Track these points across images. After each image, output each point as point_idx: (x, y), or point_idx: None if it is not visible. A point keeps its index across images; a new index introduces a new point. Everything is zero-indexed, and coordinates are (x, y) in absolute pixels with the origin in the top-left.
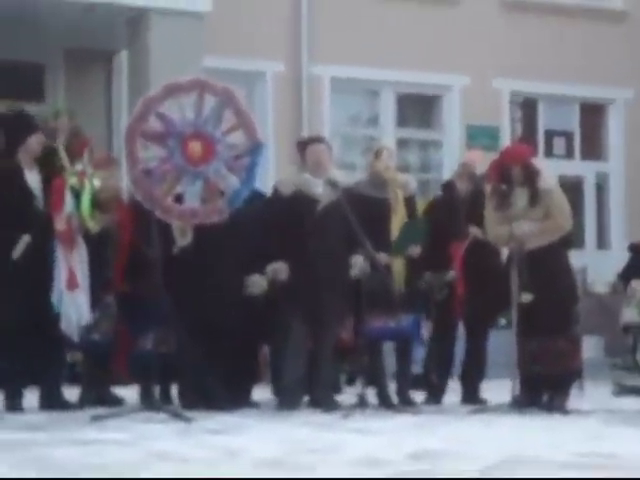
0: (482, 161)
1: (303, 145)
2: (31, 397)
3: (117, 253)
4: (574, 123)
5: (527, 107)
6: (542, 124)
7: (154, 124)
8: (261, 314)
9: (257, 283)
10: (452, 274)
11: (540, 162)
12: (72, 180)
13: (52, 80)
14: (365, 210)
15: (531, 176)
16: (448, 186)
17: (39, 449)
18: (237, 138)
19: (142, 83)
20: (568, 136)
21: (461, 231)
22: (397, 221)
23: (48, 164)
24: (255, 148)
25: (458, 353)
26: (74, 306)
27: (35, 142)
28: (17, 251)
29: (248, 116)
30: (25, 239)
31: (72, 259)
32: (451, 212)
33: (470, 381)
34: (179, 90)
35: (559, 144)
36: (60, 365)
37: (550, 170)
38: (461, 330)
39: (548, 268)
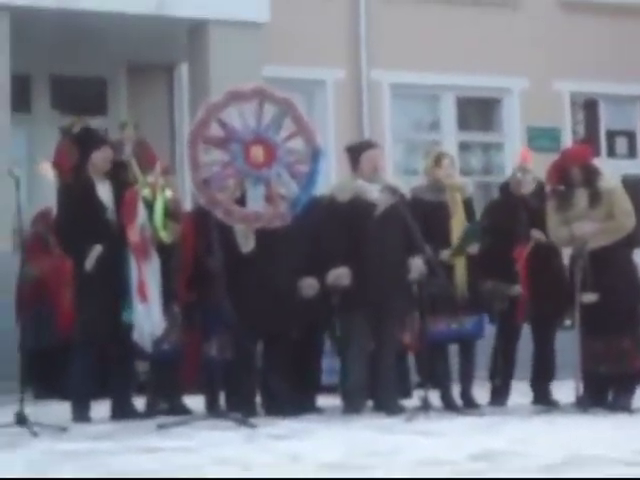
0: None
1: (355, 150)
2: (98, 408)
3: (181, 263)
4: (636, 122)
5: (588, 108)
6: (603, 124)
7: (215, 130)
8: (321, 320)
9: (310, 285)
10: (517, 289)
11: (600, 162)
12: (144, 191)
13: (114, 94)
14: (423, 214)
15: (591, 176)
16: (504, 188)
17: (103, 457)
18: (297, 145)
19: (202, 94)
20: (630, 135)
21: (523, 235)
22: (456, 224)
23: (119, 177)
24: (315, 155)
25: (523, 356)
26: (147, 317)
27: (100, 157)
28: (89, 262)
29: (307, 124)
30: (97, 249)
31: (144, 271)
32: (510, 215)
33: (540, 384)
34: (241, 97)
35: (621, 144)
36: (130, 375)
37: (613, 170)
38: (526, 333)
39: (611, 268)
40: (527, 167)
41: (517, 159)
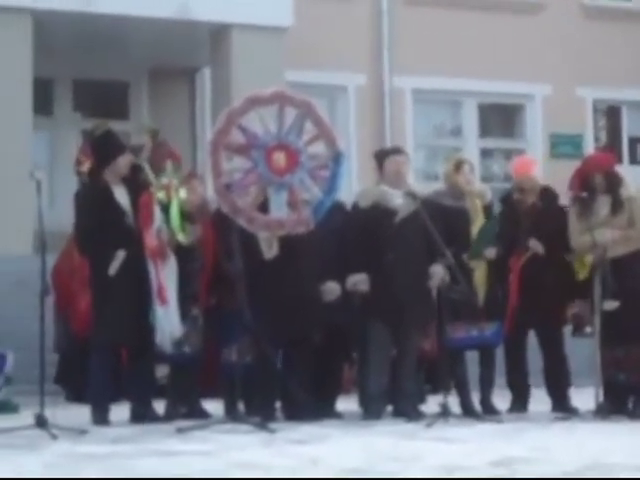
0: (534, 167)
1: (382, 156)
2: (118, 411)
3: (202, 266)
4: None
5: (610, 114)
6: (626, 131)
7: (237, 137)
8: (343, 327)
9: (332, 290)
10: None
11: (622, 169)
12: (159, 194)
13: (136, 97)
14: (444, 220)
15: (613, 184)
16: (507, 199)
17: (122, 460)
18: (318, 148)
19: (224, 99)
20: None
21: (521, 244)
22: (477, 230)
23: (134, 181)
24: (336, 158)
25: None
26: (167, 320)
27: (124, 162)
28: (113, 267)
29: (328, 127)
30: (120, 255)
31: (162, 274)
32: (512, 224)
33: (555, 390)
34: (261, 102)
35: None
36: (151, 379)
37: (635, 177)
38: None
39: (631, 275)
40: (525, 185)
41: (514, 173)
